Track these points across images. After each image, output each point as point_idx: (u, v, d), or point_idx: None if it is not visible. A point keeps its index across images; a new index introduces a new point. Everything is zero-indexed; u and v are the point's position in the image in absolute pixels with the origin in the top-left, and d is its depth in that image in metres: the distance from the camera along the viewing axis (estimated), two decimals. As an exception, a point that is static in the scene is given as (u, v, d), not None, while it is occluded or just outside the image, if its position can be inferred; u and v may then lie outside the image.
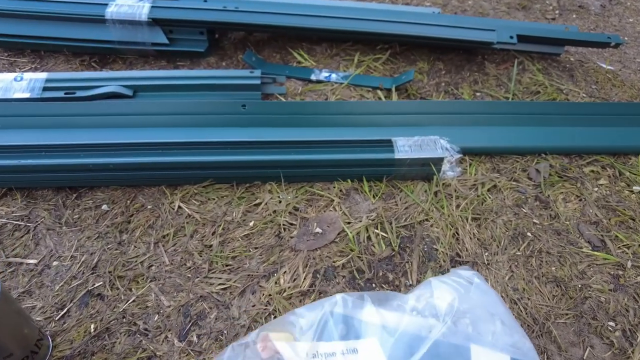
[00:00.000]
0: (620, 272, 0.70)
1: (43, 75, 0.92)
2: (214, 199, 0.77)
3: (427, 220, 0.75)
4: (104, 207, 0.76)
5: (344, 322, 0.37)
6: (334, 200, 0.77)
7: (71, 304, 0.64)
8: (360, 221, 0.74)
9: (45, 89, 0.90)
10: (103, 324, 0.62)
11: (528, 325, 0.63)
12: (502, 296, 0.65)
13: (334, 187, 0.80)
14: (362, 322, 0.39)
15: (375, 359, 0.35)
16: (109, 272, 0.68)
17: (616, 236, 0.75)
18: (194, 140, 0.77)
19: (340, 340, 0.35)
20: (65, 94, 0.90)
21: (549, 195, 0.80)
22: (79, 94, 0.90)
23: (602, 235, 0.75)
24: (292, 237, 0.72)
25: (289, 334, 0.33)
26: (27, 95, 0.88)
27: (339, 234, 0.73)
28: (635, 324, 0.63)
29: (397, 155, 0.77)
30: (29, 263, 0.69)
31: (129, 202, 0.77)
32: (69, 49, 1.05)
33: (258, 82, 0.94)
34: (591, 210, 0.79)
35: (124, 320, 0.63)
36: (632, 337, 0.62)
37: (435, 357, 0.36)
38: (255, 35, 1.14)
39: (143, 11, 0.99)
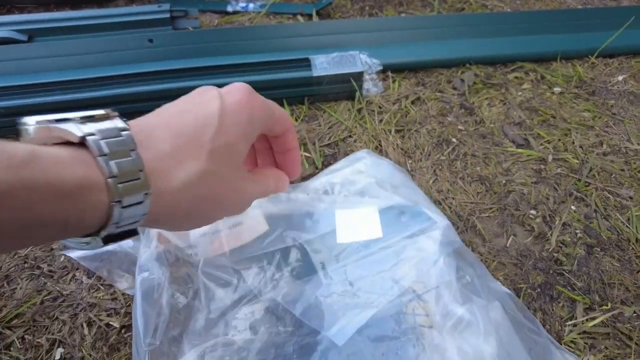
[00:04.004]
0: (542, 167, 0.70)
1: None
2: (123, 137, 0.71)
3: (350, 136, 0.73)
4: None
5: None
6: (253, 126, 0.73)
7: (-35, 258, 0.58)
8: (282, 144, 0.71)
9: None
10: (1, 272, 0.57)
11: (453, 223, 0.62)
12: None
13: (254, 114, 0.75)
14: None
15: (258, 223, 0.34)
16: (8, 220, 0.62)
17: (538, 134, 0.75)
18: (93, 75, 0.70)
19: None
20: (-54, 42, 0.80)
21: (473, 102, 0.79)
22: (-37, 41, 0.81)
23: (525, 135, 0.75)
24: (210, 166, 0.68)
25: None
26: None
27: (259, 158, 0.69)
28: (554, 209, 0.64)
29: (315, 72, 0.74)
30: None
31: (30, 150, 0.70)
32: (-49, -1, 0.94)
33: (167, 15, 0.87)
34: (515, 113, 0.79)
35: (26, 265, 0.57)
36: (551, 222, 0.62)
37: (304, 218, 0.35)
38: (167, -27, 1.06)
39: (28, -54, 0.88)
